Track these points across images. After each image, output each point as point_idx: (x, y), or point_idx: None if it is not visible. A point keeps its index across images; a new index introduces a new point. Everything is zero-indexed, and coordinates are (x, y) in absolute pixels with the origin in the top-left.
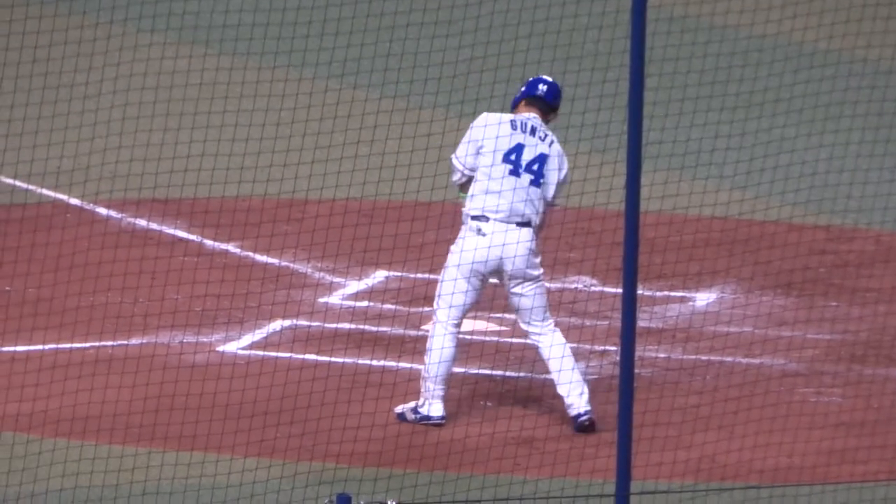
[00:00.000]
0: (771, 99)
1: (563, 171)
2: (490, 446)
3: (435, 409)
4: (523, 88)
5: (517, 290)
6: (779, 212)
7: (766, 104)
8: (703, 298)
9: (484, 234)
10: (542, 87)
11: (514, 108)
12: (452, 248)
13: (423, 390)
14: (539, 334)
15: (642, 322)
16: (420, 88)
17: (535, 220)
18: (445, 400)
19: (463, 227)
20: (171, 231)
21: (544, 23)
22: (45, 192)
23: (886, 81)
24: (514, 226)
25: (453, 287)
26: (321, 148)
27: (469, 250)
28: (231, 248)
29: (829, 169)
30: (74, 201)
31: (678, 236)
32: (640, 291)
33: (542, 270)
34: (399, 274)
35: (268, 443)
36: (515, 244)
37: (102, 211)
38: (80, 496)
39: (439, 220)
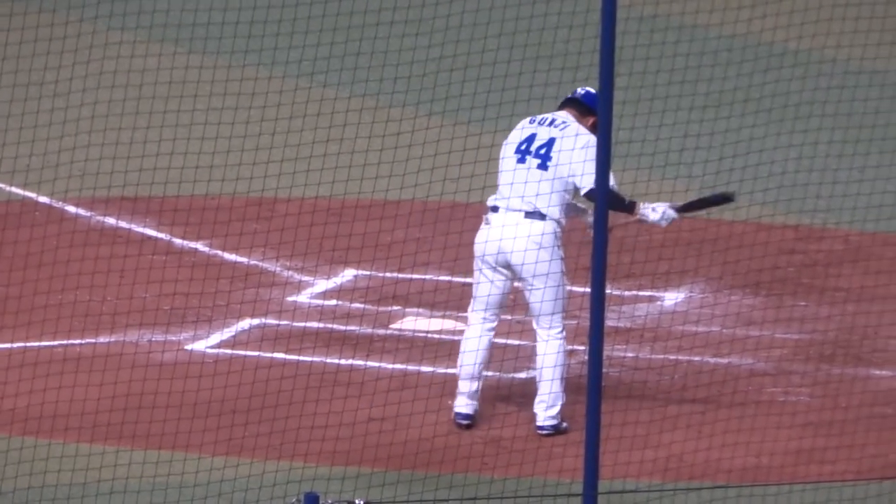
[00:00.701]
0: (740, 98)
1: (584, 154)
2: (457, 445)
3: (463, 406)
4: None
5: (526, 284)
6: (748, 211)
7: (735, 104)
8: (672, 298)
9: (489, 223)
10: (579, 91)
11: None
12: None
13: (456, 388)
14: (539, 337)
15: (610, 321)
16: (389, 87)
17: (549, 212)
18: (477, 398)
19: None
20: (139, 229)
21: (514, 22)
22: (14, 189)
23: (855, 81)
24: (521, 216)
25: (476, 284)
26: (290, 146)
27: (477, 242)
28: (200, 246)
29: (799, 168)
30: (43, 199)
31: (647, 235)
32: (608, 291)
33: (558, 271)
34: (368, 273)
35: (236, 441)
36: (520, 237)
37: (71, 209)
38: (48, 495)
39: (408, 218)
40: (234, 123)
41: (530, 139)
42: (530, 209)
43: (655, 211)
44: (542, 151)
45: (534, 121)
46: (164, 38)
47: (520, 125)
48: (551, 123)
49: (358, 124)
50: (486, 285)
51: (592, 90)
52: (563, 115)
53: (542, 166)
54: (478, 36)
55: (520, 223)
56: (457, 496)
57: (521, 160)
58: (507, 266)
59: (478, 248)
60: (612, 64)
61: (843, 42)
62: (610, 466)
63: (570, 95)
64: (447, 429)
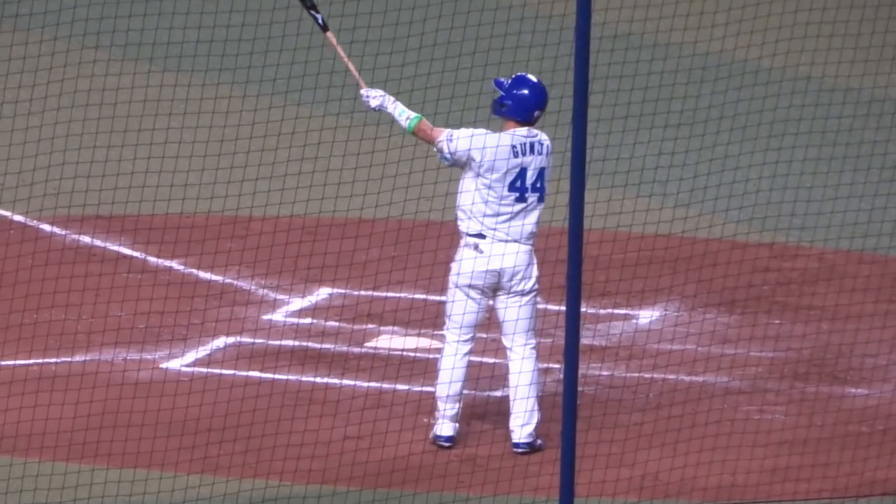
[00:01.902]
0: (715, 116)
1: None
2: (433, 464)
3: (444, 429)
4: (512, 103)
5: (505, 300)
6: (722, 229)
7: (709, 121)
8: (647, 316)
9: (480, 251)
10: (536, 115)
11: (499, 115)
12: (452, 265)
13: (435, 410)
14: (514, 354)
15: (586, 339)
16: (364, 105)
17: (536, 230)
18: (457, 419)
19: (461, 242)
20: (114, 248)
21: (488, 40)
22: None
23: (830, 99)
24: (519, 244)
25: (454, 306)
26: (265, 165)
27: (466, 265)
28: (175, 264)
29: (773, 186)
30: (18, 218)
31: (622, 254)
32: (583, 309)
33: (536, 287)
34: (343, 291)
35: (211, 460)
36: (514, 254)
37: (46, 227)
38: None
39: (383, 237)
40: (209, 142)
41: (522, 175)
42: (526, 238)
43: (375, 98)
44: (539, 185)
45: (516, 151)
46: (137, 56)
47: (502, 154)
48: (532, 148)
49: (332, 143)
50: (463, 304)
51: (534, 79)
52: (533, 134)
53: (541, 199)
54: (452, 55)
55: (512, 244)
56: None
57: (522, 199)
58: (496, 287)
59: (467, 268)
60: (586, 81)
61: (817, 60)
62: (585, 485)
63: (528, 119)
64: (423, 447)
